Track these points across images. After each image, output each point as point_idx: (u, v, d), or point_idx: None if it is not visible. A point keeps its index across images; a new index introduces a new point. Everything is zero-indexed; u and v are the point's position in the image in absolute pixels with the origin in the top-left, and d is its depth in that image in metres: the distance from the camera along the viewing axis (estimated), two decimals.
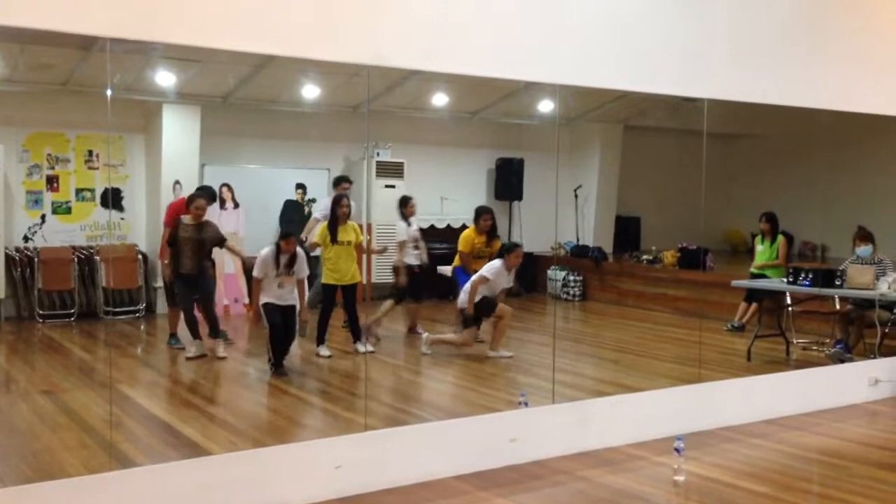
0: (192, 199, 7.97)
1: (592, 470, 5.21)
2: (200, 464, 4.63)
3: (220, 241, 8.04)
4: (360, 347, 8.07)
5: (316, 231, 8.33)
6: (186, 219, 7.87)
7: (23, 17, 4.09)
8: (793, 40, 6.67)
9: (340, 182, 8.99)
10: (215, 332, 7.98)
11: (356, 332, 8.25)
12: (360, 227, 9.05)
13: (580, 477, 5.11)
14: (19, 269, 9.71)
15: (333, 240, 8.00)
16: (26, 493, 4.11)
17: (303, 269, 7.64)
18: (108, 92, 4.74)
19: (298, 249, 7.63)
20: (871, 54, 7.09)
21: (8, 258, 9.63)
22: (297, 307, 7.63)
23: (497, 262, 8.20)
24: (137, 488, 4.26)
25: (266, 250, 7.53)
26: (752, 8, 6.49)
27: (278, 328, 7.42)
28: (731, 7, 6.39)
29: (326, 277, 8.08)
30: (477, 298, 8.09)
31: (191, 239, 7.80)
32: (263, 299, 7.48)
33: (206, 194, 8.16)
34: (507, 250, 8.28)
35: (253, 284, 7.61)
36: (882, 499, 4.80)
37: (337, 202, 8.12)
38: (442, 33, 5.22)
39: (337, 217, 8.03)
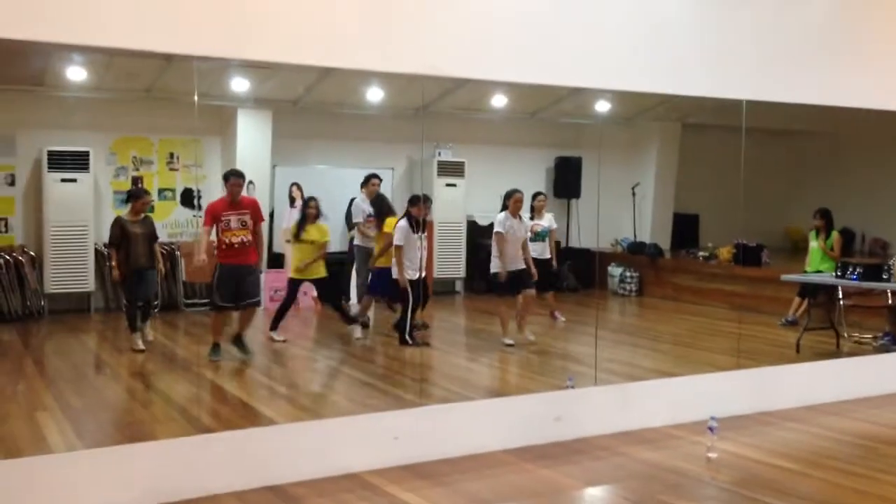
0: (136, 195, 8.43)
1: (631, 447, 5.60)
2: (273, 431, 5.18)
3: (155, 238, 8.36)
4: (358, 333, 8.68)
5: (398, 234, 8.71)
6: (129, 215, 8.20)
7: (118, 39, 4.67)
8: (828, 39, 6.89)
9: (371, 179, 9.43)
10: (143, 321, 8.31)
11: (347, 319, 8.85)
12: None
13: (619, 452, 5.51)
14: (108, 264, 10.45)
15: (297, 238, 8.56)
16: (120, 452, 4.72)
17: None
18: (195, 98, 5.33)
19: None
20: None
21: (97, 253, 10.40)
22: None
23: (501, 214, 8.59)
24: (217, 451, 4.82)
25: (402, 221, 8.36)
26: (787, 8, 6.75)
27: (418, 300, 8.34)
28: (765, 8, 6.67)
29: (291, 272, 8.73)
30: (496, 264, 8.49)
31: (139, 234, 8.11)
32: (412, 276, 8.30)
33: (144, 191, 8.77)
34: (506, 197, 8.65)
35: (395, 253, 8.33)
36: None
37: (306, 203, 8.70)
38: (489, 43, 5.66)
39: (305, 217, 8.53)
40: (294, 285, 8.73)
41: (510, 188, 8.75)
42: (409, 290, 8.35)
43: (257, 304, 8.22)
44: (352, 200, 11.01)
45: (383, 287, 8.87)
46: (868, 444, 5.76)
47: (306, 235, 8.60)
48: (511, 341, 8.49)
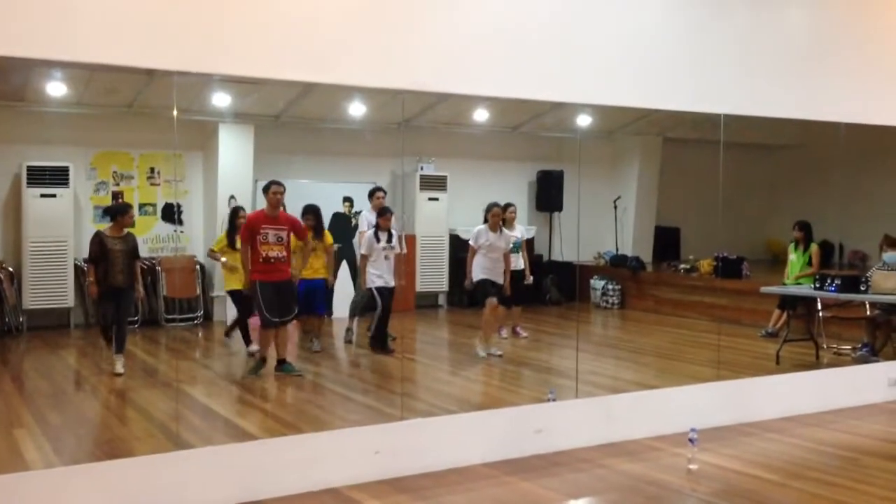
0: (122, 210, 8.12)
1: (612, 459, 5.62)
2: (253, 447, 5.16)
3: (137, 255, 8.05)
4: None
5: (363, 243, 8.82)
6: (111, 230, 7.91)
7: (97, 54, 4.69)
8: (804, 55, 7.01)
9: (375, 192, 9.46)
10: (120, 348, 7.89)
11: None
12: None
13: (600, 465, 5.52)
14: (87, 280, 10.38)
15: (233, 247, 8.40)
16: (98, 469, 4.68)
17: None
18: (175, 113, 5.33)
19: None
20: (884, 66, 7.39)
21: (77, 269, 10.34)
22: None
23: (479, 227, 8.68)
24: (196, 467, 4.79)
25: (369, 231, 8.67)
26: (764, 25, 6.86)
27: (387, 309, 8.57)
28: (744, 24, 6.77)
29: (233, 284, 8.52)
30: (477, 274, 8.53)
31: (119, 251, 7.81)
32: (376, 283, 8.53)
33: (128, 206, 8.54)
34: (486, 211, 8.72)
35: (360, 262, 8.82)
36: (884, 486, 5.14)
37: (235, 214, 8.74)
38: (470, 59, 5.71)
39: (236, 227, 8.46)
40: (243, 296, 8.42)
41: (490, 202, 8.80)
42: (378, 297, 8.53)
43: (294, 319, 8.05)
44: (334, 215, 11.04)
45: (305, 303, 8.60)
46: (847, 454, 5.81)
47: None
48: (485, 353, 8.53)
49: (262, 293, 7.62)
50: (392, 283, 8.72)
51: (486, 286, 8.58)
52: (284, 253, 7.69)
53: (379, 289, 8.62)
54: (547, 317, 11.67)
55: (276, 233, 7.63)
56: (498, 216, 8.66)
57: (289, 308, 7.78)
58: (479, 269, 8.59)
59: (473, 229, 8.75)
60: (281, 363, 7.84)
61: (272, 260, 7.61)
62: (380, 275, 8.64)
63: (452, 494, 4.97)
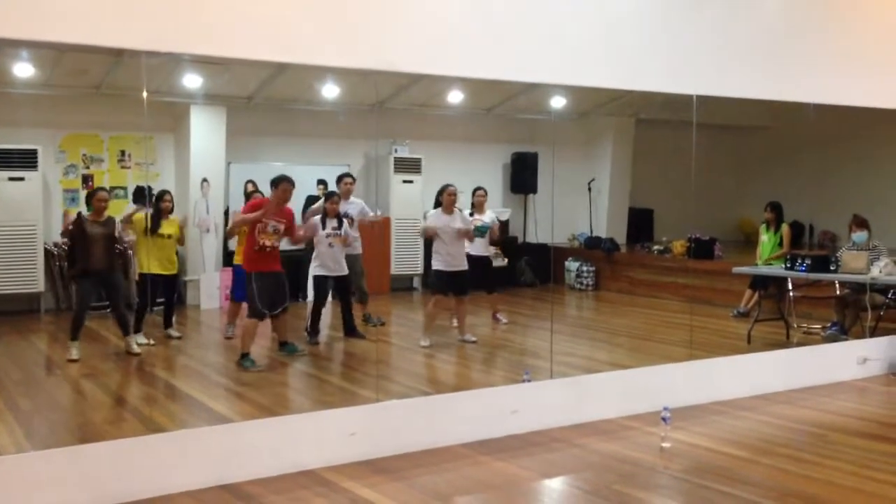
0: (93, 192, 8.05)
1: (587, 438, 5.67)
2: (228, 429, 5.14)
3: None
4: (173, 332, 8.72)
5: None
6: (91, 216, 7.86)
7: (65, 33, 4.62)
8: (777, 36, 7.07)
9: (343, 178, 9.34)
10: (126, 331, 7.95)
11: (168, 319, 8.79)
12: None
13: (575, 444, 5.57)
14: (58, 264, 10.28)
15: (154, 232, 8.31)
16: (71, 453, 4.65)
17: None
18: (144, 95, 5.26)
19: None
20: (852, 48, 7.46)
21: (47, 253, 10.22)
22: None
23: (432, 211, 8.46)
24: (170, 451, 4.78)
25: (315, 218, 8.34)
26: (737, 5, 6.91)
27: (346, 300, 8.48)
28: (716, 6, 6.81)
29: (144, 268, 8.39)
30: (436, 264, 8.28)
31: (98, 235, 7.76)
32: (316, 272, 8.34)
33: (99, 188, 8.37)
34: (438, 193, 8.44)
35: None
36: (851, 461, 5.23)
37: (160, 197, 8.56)
38: (445, 40, 5.70)
39: (160, 210, 8.41)
40: (156, 282, 8.41)
41: (444, 183, 8.49)
42: (314, 288, 8.35)
43: (287, 308, 7.95)
44: (307, 198, 10.97)
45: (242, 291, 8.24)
46: (816, 431, 5.90)
47: (164, 229, 8.41)
48: (427, 343, 8.29)
49: (259, 286, 7.56)
50: (341, 272, 8.41)
51: (440, 280, 8.30)
52: (277, 244, 7.68)
53: (318, 277, 8.36)
54: (521, 299, 11.72)
55: (276, 224, 7.61)
56: (453, 195, 8.32)
57: (282, 299, 7.74)
58: (437, 258, 8.27)
59: (429, 213, 8.46)
60: (283, 345, 7.91)
61: (267, 249, 7.58)
62: (321, 264, 8.33)
63: (429, 475, 5.00)
